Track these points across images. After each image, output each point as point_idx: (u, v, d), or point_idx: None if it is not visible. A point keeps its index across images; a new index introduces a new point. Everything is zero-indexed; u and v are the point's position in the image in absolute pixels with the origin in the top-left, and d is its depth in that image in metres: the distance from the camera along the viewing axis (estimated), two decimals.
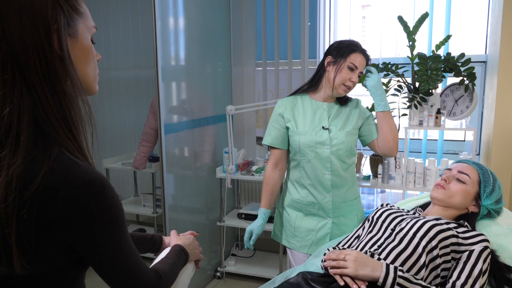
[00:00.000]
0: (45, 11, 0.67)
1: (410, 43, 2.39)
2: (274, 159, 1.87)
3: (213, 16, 2.89)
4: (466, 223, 1.37)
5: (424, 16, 2.33)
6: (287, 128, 1.82)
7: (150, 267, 0.91)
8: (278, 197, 2.15)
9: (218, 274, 2.99)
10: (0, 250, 0.69)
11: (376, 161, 2.57)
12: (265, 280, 2.53)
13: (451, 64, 2.34)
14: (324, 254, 1.41)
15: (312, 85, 1.84)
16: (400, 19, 2.37)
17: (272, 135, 1.85)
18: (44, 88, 0.68)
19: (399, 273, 1.15)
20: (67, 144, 0.70)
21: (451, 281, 1.20)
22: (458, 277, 1.19)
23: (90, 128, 0.75)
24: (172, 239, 1.15)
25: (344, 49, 1.74)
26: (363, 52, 1.76)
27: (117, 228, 0.74)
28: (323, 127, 1.76)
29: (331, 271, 1.22)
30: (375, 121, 1.88)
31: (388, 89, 2.52)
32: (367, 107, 1.97)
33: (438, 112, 2.43)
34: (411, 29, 2.35)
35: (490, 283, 1.26)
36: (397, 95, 2.52)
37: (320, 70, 1.82)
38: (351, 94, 1.90)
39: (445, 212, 1.43)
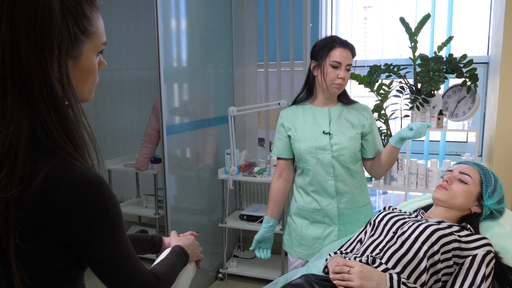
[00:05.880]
0: (53, 34, 0.67)
1: (412, 44, 2.38)
2: (279, 170, 1.88)
3: (215, 18, 2.89)
4: (469, 226, 1.36)
5: (426, 17, 2.33)
6: (289, 137, 1.82)
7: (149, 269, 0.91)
8: (286, 207, 2.15)
9: (220, 275, 2.99)
10: None
11: None
12: (267, 281, 2.52)
13: (453, 65, 2.33)
14: (326, 259, 1.41)
15: (308, 93, 1.83)
16: (402, 20, 2.37)
17: (277, 146, 1.86)
18: (48, 106, 0.68)
19: (402, 287, 1.15)
20: (68, 152, 0.70)
21: None
22: (462, 285, 1.19)
23: (89, 133, 0.75)
24: (172, 239, 1.15)
25: (322, 50, 1.71)
26: (344, 44, 1.70)
27: (114, 228, 0.74)
28: (323, 132, 1.74)
29: (335, 282, 1.22)
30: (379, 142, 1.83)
31: (390, 90, 2.52)
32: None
33: (440, 113, 2.42)
34: (413, 30, 2.35)
35: (493, 285, 1.25)
36: (399, 97, 2.52)
37: (310, 77, 1.80)
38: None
39: (448, 214, 1.42)
